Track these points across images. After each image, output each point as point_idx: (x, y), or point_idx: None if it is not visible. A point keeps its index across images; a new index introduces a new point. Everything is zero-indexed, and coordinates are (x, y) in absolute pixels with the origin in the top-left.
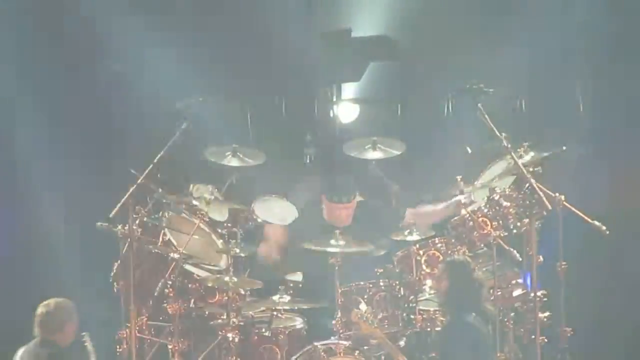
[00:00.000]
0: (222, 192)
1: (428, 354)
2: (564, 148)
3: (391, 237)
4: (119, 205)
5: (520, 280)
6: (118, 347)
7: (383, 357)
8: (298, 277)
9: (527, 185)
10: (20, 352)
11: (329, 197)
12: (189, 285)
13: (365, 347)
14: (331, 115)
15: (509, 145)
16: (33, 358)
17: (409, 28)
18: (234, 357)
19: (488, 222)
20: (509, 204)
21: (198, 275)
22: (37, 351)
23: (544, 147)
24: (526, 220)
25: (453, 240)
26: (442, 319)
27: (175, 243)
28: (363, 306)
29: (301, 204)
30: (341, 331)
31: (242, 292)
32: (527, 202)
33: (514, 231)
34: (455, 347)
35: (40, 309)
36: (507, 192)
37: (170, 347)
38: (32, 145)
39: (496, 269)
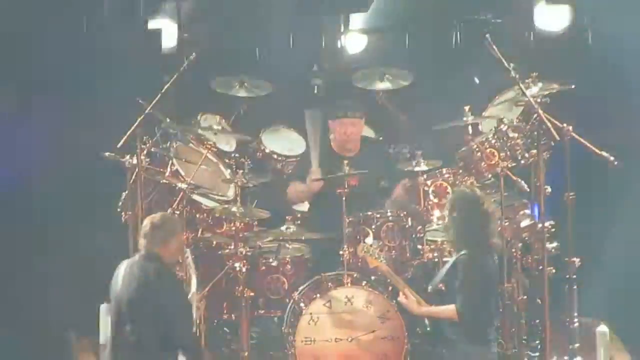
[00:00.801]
0: (229, 123)
1: (436, 285)
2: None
3: (398, 167)
4: (126, 135)
5: (528, 211)
6: None
7: (390, 288)
8: (304, 207)
9: (535, 115)
10: (125, 265)
11: (335, 114)
12: (197, 215)
13: (373, 278)
14: (339, 45)
15: (517, 76)
16: (138, 271)
17: None
18: (241, 287)
19: (496, 153)
20: (516, 134)
21: (206, 206)
22: (143, 264)
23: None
24: (534, 151)
25: (460, 171)
26: (449, 250)
27: (182, 173)
28: (369, 240)
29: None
30: (349, 261)
31: (250, 222)
32: (535, 133)
33: (522, 162)
34: (462, 280)
35: (146, 222)
36: (515, 123)
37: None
38: (38, 74)
39: (504, 199)
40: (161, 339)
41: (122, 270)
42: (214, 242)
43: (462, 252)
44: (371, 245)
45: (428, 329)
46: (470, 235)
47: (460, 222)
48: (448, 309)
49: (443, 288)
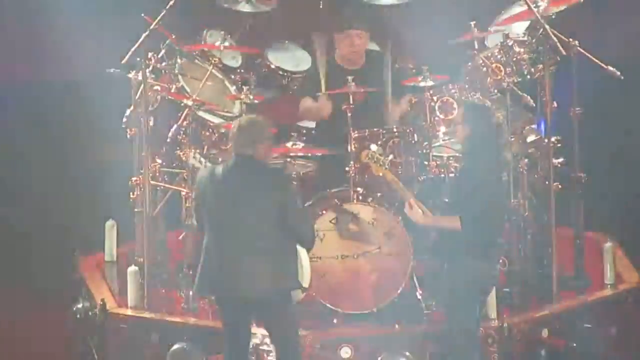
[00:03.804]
0: (235, 38)
1: (441, 199)
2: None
3: (404, 83)
4: (131, 51)
5: (534, 126)
6: (131, 193)
7: (397, 204)
8: (310, 123)
9: (541, 30)
10: (212, 171)
11: (339, 28)
12: (202, 132)
13: (379, 195)
14: None
15: None
16: (246, 173)
17: None
18: None
19: (501, 68)
20: (522, 49)
21: (211, 122)
22: (245, 166)
23: None
24: (540, 66)
25: (466, 87)
26: (455, 165)
27: (188, 89)
28: (374, 147)
29: None
30: (355, 178)
31: None
32: (541, 48)
33: (528, 77)
34: (467, 193)
35: (234, 124)
36: (520, 38)
37: (183, 193)
38: None
39: (510, 115)
40: (284, 235)
41: (214, 175)
42: (220, 159)
43: (470, 164)
44: (375, 152)
45: (430, 244)
46: (480, 147)
47: (470, 133)
48: (452, 219)
49: (447, 200)
